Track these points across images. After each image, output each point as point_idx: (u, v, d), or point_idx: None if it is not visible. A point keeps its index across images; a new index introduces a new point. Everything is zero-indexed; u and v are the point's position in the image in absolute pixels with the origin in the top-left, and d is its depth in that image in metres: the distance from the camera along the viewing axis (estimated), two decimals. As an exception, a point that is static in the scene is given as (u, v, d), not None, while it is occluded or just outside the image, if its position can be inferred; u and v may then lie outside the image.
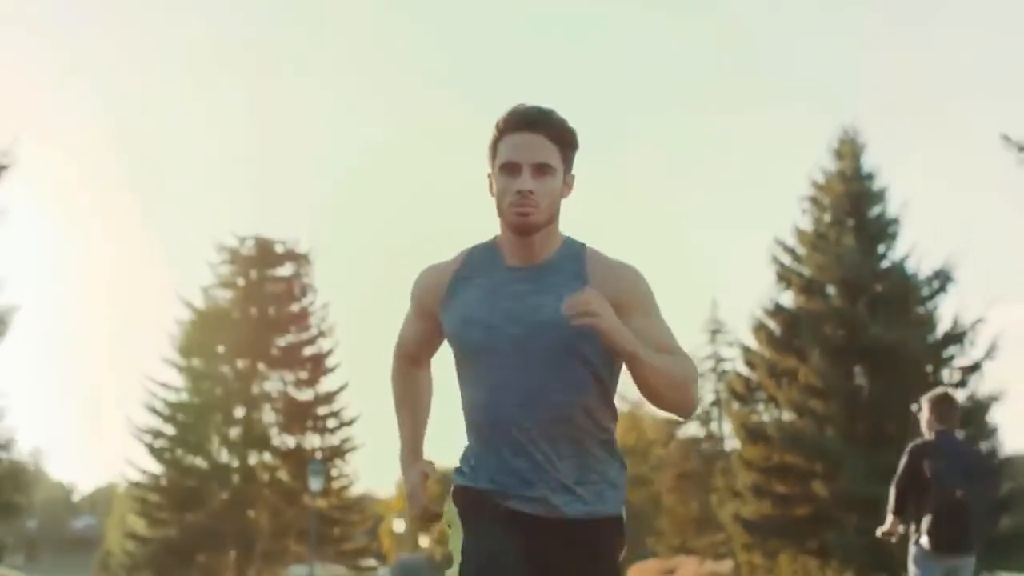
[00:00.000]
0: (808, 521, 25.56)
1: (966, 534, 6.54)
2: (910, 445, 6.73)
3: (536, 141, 2.67)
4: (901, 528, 6.69)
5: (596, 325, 2.49)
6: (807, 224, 27.80)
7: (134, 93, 76.46)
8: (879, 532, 6.77)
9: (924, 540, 6.54)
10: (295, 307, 35.08)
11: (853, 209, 26.84)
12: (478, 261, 2.80)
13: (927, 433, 6.71)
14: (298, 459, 33.71)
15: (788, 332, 26.70)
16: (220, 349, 34.36)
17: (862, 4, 75.26)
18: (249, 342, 34.14)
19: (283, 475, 34.20)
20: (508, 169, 2.67)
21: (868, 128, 65.22)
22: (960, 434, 6.94)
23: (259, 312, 34.71)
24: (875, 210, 27.29)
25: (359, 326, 76.47)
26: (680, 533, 39.60)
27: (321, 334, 35.04)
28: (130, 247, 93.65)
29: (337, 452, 34.31)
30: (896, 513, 6.64)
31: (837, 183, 27.21)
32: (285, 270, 35.33)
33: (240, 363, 34.34)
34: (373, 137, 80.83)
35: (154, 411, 33.69)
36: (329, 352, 34.83)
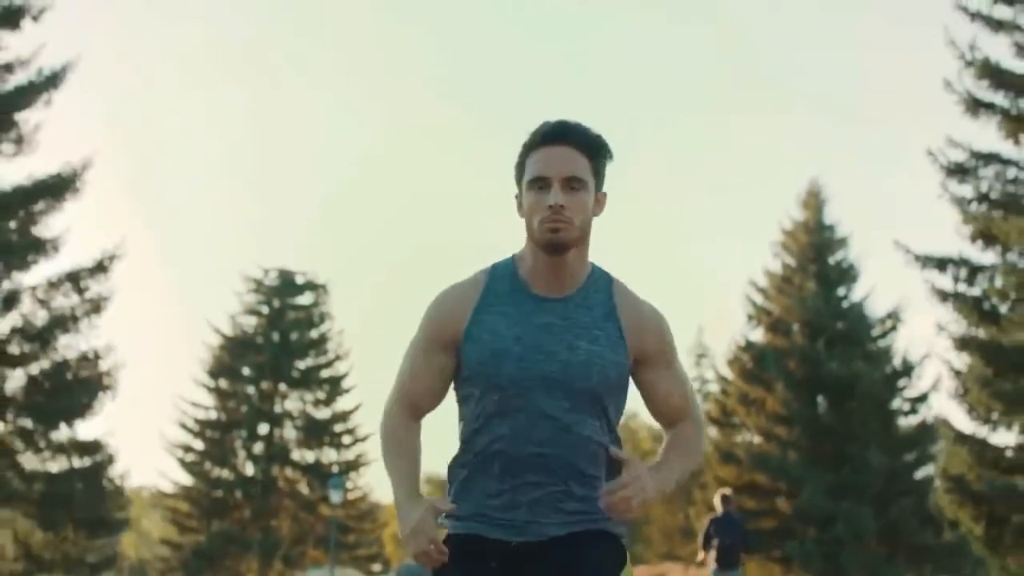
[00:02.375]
0: (773, 533, 29.47)
1: (732, 560, 13.21)
2: (707, 518, 13.61)
3: (565, 153, 2.61)
4: (707, 558, 13.37)
5: (639, 508, 2.52)
6: (776, 267, 31.74)
7: (135, 96, 78.94)
8: (698, 559, 13.71)
9: (713, 565, 13.20)
10: (314, 333, 38.86)
11: (815, 257, 30.77)
12: (502, 286, 2.70)
13: (718, 510, 13.53)
14: (316, 472, 37.58)
15: (757, 365, 30.60)
16: (245, 371, 38.11)
17: (864, 8, 77.33)
18: (272, 365, 37.82)
19: (303, 487, 38.03)
20: (537, 185, 2.60)
21: (869, 130, 67.90)
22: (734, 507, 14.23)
23: (281, 337, 38.43)
24: (837, 256, 31.19)
25: (372, 351, 79.42)
26: (667, 541, 43.56)
27: (338, 358, 38.86)
28: (132, 255, 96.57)
29: (352, 466, 38.14)
30: (704, 549, 13.37)
31: (801, 233, 31.15)
32: (305, 299, 39.17)
33: (264, 384, 38.05)
34: (374, 148, 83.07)
35: (185, 427, 37.43)
36: (345, 374, 38.66)
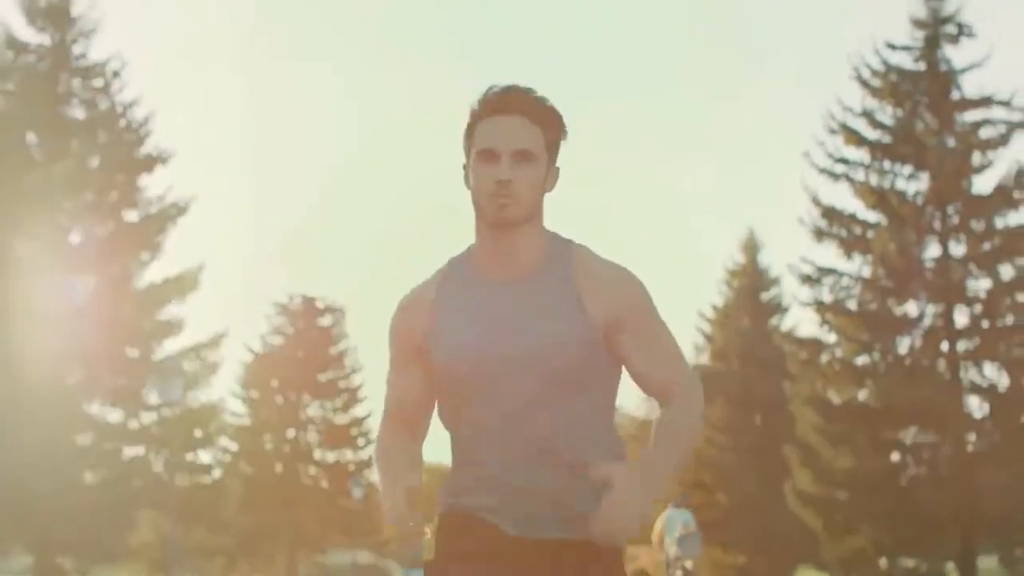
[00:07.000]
0: (715, 523, 37.91)
1: None
2: None
3: (516, 124, 2.56)
4: None
5: (633, 527, 2.47)
6: (720, 301, 40.04)
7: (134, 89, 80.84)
8: None
9: None
10: (333, 350, 46.53)
11: (751, 296, 39.03)
12: (458, 279, 2.68)
13: None
14: (336, 470, 45.44)
15: (703, 385, 38.88)
16: (274, 383, 45.66)
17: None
18: (297, 377, 45.33)
19: (324, 483, 45.93)
20: (485, 157, 2.55)
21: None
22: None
23: (305, 354, 45.88)
24: (769, 293, 39.44)
25: (383, 365, 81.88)
26: (643, 528, 52.15)
27: (353, 371, 46.52)
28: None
29: (366, 465, 46.08)
30: None
31: (740, 274, 39.39)
32: (325, 321, 47.04)
33: (290, 394, 45.76)
34: (375, 149, 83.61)
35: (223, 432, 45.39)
36: (360, 386, 46.36)
